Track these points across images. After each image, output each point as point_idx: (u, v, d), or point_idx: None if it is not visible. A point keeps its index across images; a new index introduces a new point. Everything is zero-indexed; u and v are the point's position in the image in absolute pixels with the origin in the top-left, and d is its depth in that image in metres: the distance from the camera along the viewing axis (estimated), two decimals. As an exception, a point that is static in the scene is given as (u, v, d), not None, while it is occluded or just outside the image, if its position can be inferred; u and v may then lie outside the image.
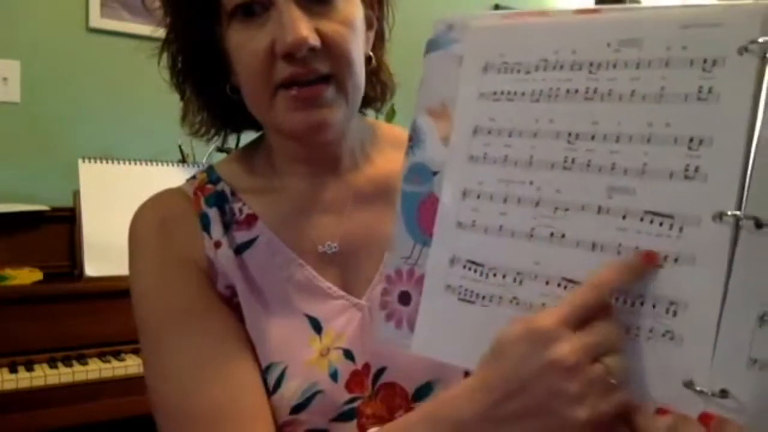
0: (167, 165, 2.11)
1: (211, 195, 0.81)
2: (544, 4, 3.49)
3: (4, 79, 2.16)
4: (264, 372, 0.75)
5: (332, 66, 0.72)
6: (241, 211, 0.80)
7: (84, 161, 2.03)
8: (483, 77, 0.62)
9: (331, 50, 0.71)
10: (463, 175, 0.62)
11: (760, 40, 0.49)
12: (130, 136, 2.25)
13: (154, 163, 2.08)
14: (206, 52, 0.77)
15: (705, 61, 0.52)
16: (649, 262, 0.52)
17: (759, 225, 0.48)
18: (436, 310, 0.63)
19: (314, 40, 0.69)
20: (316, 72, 0.71)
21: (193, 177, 0.85)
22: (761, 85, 0.49)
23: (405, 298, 0.66)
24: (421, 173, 0.66)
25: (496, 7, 3.30)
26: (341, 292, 0.79)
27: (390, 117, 2.39)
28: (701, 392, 0.50)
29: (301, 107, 0.72)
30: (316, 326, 0.77)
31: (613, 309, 0.53)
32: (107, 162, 2.05)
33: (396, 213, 0.67)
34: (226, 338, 0.75)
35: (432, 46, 0.66)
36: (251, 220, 0.80)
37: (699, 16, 0.53)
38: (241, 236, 0.79)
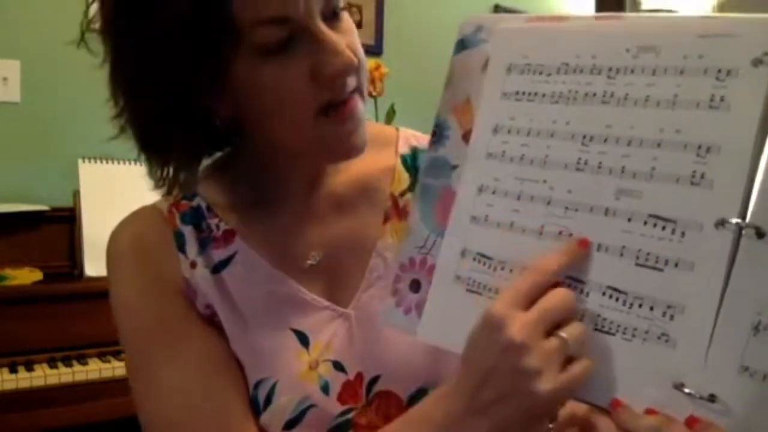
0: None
1: (186, 212, 0.78)
2: (546, 5, 3.49)
3: (4, 79, 2.16)
4: (254, 388, 0.74)
5: (357, 79, 0.70)
6: (217, 227, 0.78)
7: (84, 161, 2.03)
8: (506, 77, 0.64)
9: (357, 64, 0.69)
10: (481, 171, 0.64)
11: None
12: (131, 136, 2.24)
13: (154, 164, 2.08)
14: (198, 96, 0.69)
15: (719, 70, 0.52)
16: (582, 247, 0.56)
17: (760, 235, 0.49)
18: (444, 299, 0.64)
19: (355, 59, 0.68)
20: (349, 87, 0.69)
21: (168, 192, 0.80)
22: None
23: (415, 286, 0.68)
24: (441, 167, 0.68)
25: (496, 7, 3.30)
26: (326, 303, 0.77)
27: (390, 117, 2.39)
28: (690, 395, 0.50)
29: (350, 130, 0.70)
30: (303, 339, 0.75)
31: (562, 287, 0.56)
32: (107, 162, 2.06)
33: (413, 203, 0.70)
34: (208, 360, 0.74)
35: (460, 46, 0.68)
36: (228, 236, 0.77)
37: (717, 26, 0.54)
38: (218, 254, 0.77)
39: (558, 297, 0.55)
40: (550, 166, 0.60)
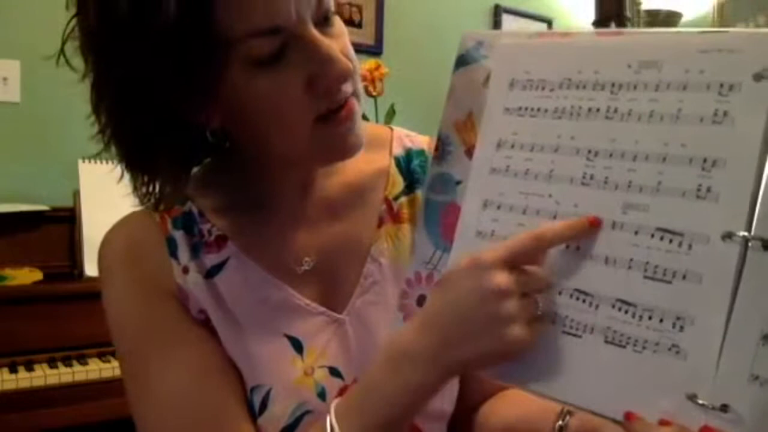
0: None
1: (178, 217, 0.77)
2: (546, 4, 3.49)
3: (4, 79, 2.15)
4: (249, 393, 0.73)
5: (351, 83, 0.69)
6: (210, 232, 0.76)
7: (84, 161, 2.03)
8: (509, 93, 0.65)
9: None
10: (485, 186, 0.65)
11: None
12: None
13: (154, 164, 2.08)
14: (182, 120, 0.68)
15: (722, 85, 0.53)
16: (591, 226, 0.58)
17: (766, 246, 0.50)
18: None
19: (350, 65, 0.67)
20: (345, 94, 0.68)
21: None
22: None
23: (423, 302, 0.68)
24: (445, 183, 0.69)
25: (497, 7, 3.30)
26: (321, 308, 0.76)
27: (390, 117, 2.39)
28: (703, 405, 0.51)
29: (347, 131, 0.69)
30: (297, 346, 0.75)
31: (545, 258, 0.59)
32: (107, 162, 2.05)
33: (418, 219, 0.70)
34: (203, 363, 0.73)
35: (461, 61, 0.69)
36: (220, 241, 0.76)
37: (718, 42, 0.55)
38: (211, 259, 0.76)
39: (540, 273, 0.59)
40: (556, 180, 0.60)
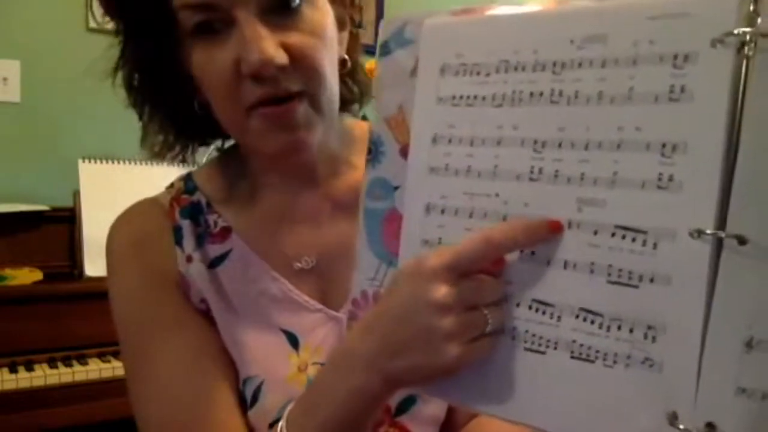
0: (167, 165, 2.11)
1: (186, 206, 0.78)
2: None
3: (4, 79, 2.16)
4: (242, 384, 0.74)
5: (303, 83, 0.67)
6: (215, 223, 0.78)
7: (84, 161, 2.04)
8: (440, 80, 0.58)
9: (301, 66, 0.67)
10: (425, 189, 0.58)
11: (736, 31, 0.43)
12: (130, 136, 2.24)
13: (154, 163, 2.08)
14: (166, 72, 0.72)
15: (675, 56, 0.46)
16: (552, 230, 0.51)
17: (742, 241, 0.43)
18: None
19: (281, 59, 0.65)
20: (287, 91, 0.67)
21: (171, 185, 0.82)
22: (739, 82, 0.44)
23: None
24: (382, 188, 0.62)
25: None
26: (319, 305, 0.76)
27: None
28: (686, 430, 0.45)
29: (276, 128, 0.68)
30: (293, 341, 0.75)
31: (504, 264, 0.53)
32: (107, 162, 2.06)
33: (359, 231, 0.63)
34: (200, 350, 0.74)
35: (385, 49, 0.61)
36: (225, 233, 0.78)
37: (667, 5, 0.47)
38: (214, 249, 0.77)
39: (492, 283, 0.53)
40: (501, 177, 0.54)
